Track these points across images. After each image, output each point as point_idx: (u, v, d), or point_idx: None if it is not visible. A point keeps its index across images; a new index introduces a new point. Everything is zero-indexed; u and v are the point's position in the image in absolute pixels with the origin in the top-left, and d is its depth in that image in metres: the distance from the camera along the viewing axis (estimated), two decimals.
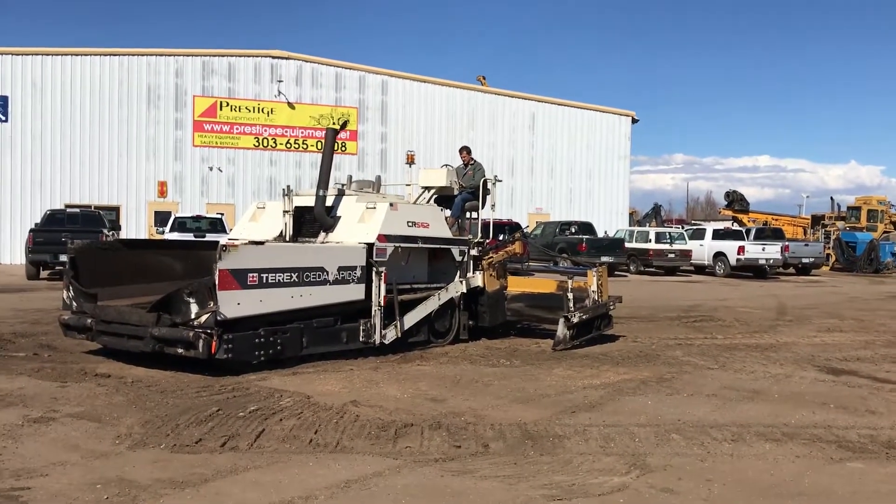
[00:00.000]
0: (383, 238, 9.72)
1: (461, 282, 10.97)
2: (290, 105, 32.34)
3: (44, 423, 6.23)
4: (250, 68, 32.02)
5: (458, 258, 10.94)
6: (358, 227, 9.89)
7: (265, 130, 32.17)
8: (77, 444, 5.71)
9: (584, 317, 10.87)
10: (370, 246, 9.59)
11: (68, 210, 23.82)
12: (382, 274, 9.58)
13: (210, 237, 18.62)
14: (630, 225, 37.87)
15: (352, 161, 32.62)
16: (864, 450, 6.06)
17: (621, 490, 4.99)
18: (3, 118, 28.97)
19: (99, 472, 5.10)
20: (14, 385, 7.58)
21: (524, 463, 5.51)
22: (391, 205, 10.06)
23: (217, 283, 7.97)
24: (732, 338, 12.26)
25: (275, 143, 32.30)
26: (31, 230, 21.26)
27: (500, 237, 14.98)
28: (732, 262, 29.43)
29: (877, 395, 8.10)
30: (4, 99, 28.99)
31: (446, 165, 12.38)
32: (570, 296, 11.32)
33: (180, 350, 8.14)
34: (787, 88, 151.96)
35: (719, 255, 30.06)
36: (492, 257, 11.38)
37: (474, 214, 12.13)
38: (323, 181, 10.18)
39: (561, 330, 10.56)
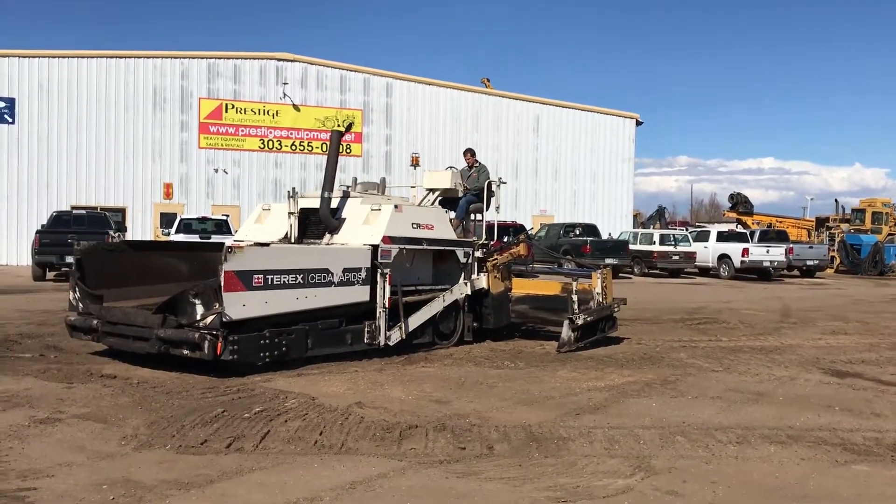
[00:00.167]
0: (388, 240, 9.73)
1: (466, 283, 10.98)
2: (296, 107, 32.40)
3: (50, 424, 6.25)
4: (256, 70, 32.09)
5: (463, 260, 10.95)
6: (363, 228, 9.90)
7: (270, 132, 32.22)
8: (83, 445, 5.72)
9: (588, 319, 10.87)
10: (375, 248, 9.60)
11: (74, 212, 23.89)
12: (387, 276, 9.59)
13: (215, 239, 18.66)
14: (634, 227, 37.83)
15: (356, 163, 32.65)
16: (870, 452, 6.05)
17: (626, 492, 4.99)
18: (10, 120, 29.08)
19: (105, 472, 5.12)
20: (20, 386, 7.61)
21: (529, 465, 5.51)
22: (396, 207, 10.08)
23: (222, 284, 7.99)
24: (737, 340, 12.25)
25: (280, 145, 32.35)
26: (38, 232, 21.32)
27: (505, 239, 14.98)
28: (737, 264, 29.39)
29: (882, 398, 8.09)
30: (11, 101, 29.09)
31: (451, 167, 12.39)
32: (575, 298, 11.32)
33: (186, 351, 8.16)
34: (792, 90, 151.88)
35: (723, 258, 30.03)
36: (496, 259, 11.39)
37: (479, 216, 12.15)
38: (328, 183, 10.19)
39: (565, 332, 10.56)
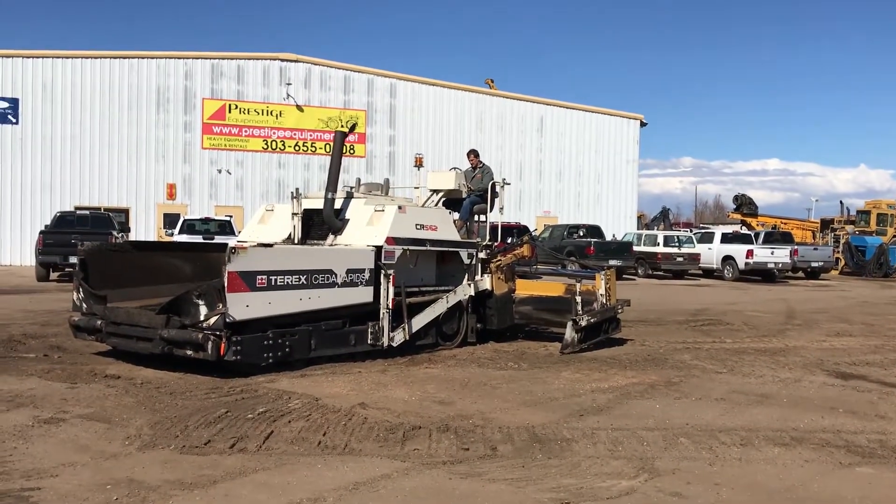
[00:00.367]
0: (392, 241, 9.73)
1: (469, 285, 10.98)
2: (299, 108, 32.43)
3: (54, 424, 6.26)
4: (259, 71, 32.13)
5: (467, 261, 10.95)
6: (366, 229, 9.90)
7: (274, 133, 32.26)
8: (87, 445, 5.73)
9: (592, 320, 10.86)
10: (378, 249, 9.60)
11: (78, 212, 23.92)
12: (391, 276, 9.59)
13: (219, 239, 18.70)
14: (638, 228, 37.80)
15: (360, 164, 32.69)
16: (874, 454, 6.04)
17: (629, 494, 4.98)
18: (14, 121, 29.14)
19: (109, 472, 5.12)
20: (24, 386, 7.62)
21: (532, 466, 5.51)
22: (399, 207, 10.07)
23: (226, 285, 7.99)
24: (741, 342, 12.23)
25: (283, 145, 32.38)
26: (42, 232, 21.37)
27: (509, 240, 14.98)
28: (741, 265, 29.36)
29: (886, 400, 8.07)
30: (15, 102, 29.16)
31: (455, 168, 12.39)
32: (578, 299, 11.30)
33: (189, 352, 8.16)
34: (797, 92, 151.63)
35: (728, 259, 29.99)
36: (500, 260, 11.39)
37: (482, 217, 12.14)
38: (331, 184, 10.20)
39: (569, 333, 10.56)
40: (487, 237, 11.72)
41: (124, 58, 30.62)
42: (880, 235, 38.35)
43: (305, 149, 32.67)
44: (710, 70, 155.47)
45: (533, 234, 28.27)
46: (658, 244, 30.28)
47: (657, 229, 39.77)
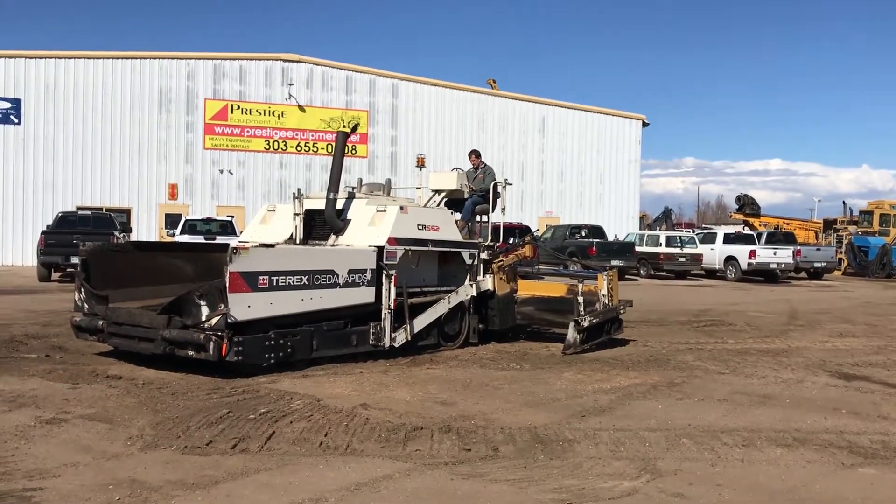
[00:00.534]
0: (393, 241, 9.73)
1: (471, 285, 10.97)
2: (301, 108, 32.44)
3: (56, 425, 6.27)
4: (261, 71, 32.14)
5: (469, 261, 10.95)
6: (368, 230, 9.90)
7: (276, 133, 32.27)
8: (89, 446, 5.73)
9: (594, 321, 10.85)
10: (380, 249, 9.60)
11: (80, 212, 23.94)
12: (392, 277, 9.59)
13: (220, 240, 18.70)
14: (640, 229, 37.77)
15: (362, 164, 32.69)
16: (876, 455, 6.03)
17: (631, 494, 4.98)
18: (16, 121, 29.18)
19: (111, 473, 5.12)
20: (26, 386, 7.62)
21: (534, 467, 5.50)
22: (401, 208, 10.07)
23: (227, 285, 8.00)
24: (743, 342, 12.22)
25: (285, 145, 32.40)
26: (43, 232, 21.39)
27: (511, 240, 14.97)
28: (743, 266, 29.32)
29: (889, 401, 8.06)
30: (17, 102, 29.19)
31: (457, 169, 12.39)
32: (581, 300, 11.29)
33: (191, 352, 8.16)
34: (798, 92, 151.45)
35: (730, 260, 29.96)
36: (502, 261, 11.39)
37: (484, 218, 12.14)
38: (333, 184, 10.20)
39: (571, 334, 10.55)
40: (489, 237, 11.72)
41: (126, 58, 30.64)
42: (883, 236, 38.26)
43: (307, 149, 32.68)
44: (711, 70, 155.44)
45: (535, 234, 28.25)
46: (660, 244, 30.26)
47: (659, 229, 39.69)
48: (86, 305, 9.36)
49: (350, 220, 10.19)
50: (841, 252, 36.13)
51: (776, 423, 6.91)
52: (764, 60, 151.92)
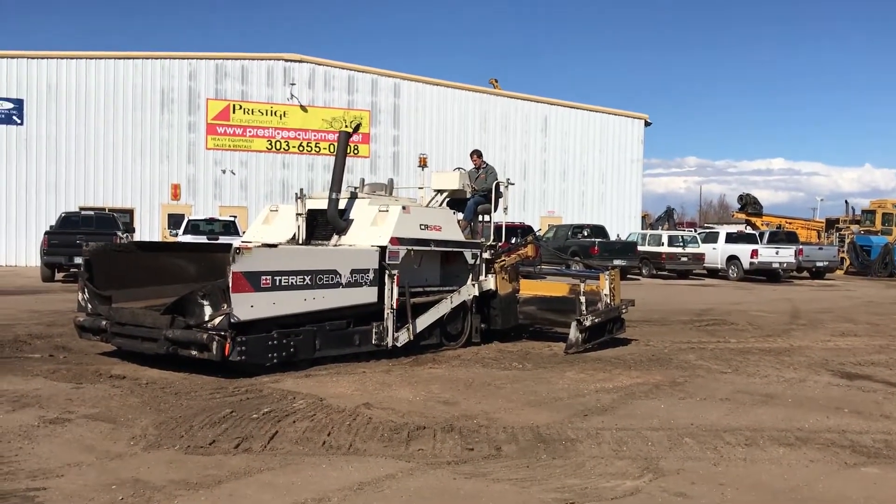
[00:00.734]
0: (396, 241, 9.74)
1: (473, 285, 10.98)
2: (303, 108, 32.46)
3: (59, 424, 6.28)
4: (263, 71, 32.16)
5: (471, 261, 10.95)
6: (370, 230, 9.91)
7: (278, 133, 32.29)
8: (92, 445, 5.75)
9: (596, 320, 10.85)
10: (383, 249, 9.61)
11: (83, 212, 23.98)
12: (395, 277, 9.60)
13: (223, 240, 18.71)
14: (642, 228, 37.76)
15: (364, 164, 32.70)
16: (879, 455, 6.03)
17: (634, 494, 4.98)
18: (19, 121, 29.21)
19: (114, 473, 5.13)
20: (30, 386, 7.64)
21: (536, 466, 5.51)
22: (404, 208, 10.08)
23: (230, 285, 8.01)
24: (746, 342, 12.22)
25: (287, 145, 32.41)
26: (46, 232, 21.41)
27: (513, 240, 14.98)
28: (746, 265, 29.31)
29: (892, 400, 8.05)
30: (20, 102, 29.23)
31: (459, 168, 12.39)
32: (583, 299, 11.30)
33: (194, 352, 8.18)
34: (802, 91, 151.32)
35: (732, 259, 29.95)
36: (504, 260, 11.39)
37: (486, 217, 12.14)
38: (336, 184, 10.21)
39: (573, 333, 10.55)
40: (491, 237, 11.73)
41: (128, 58, 30.67)
42: (885, 235, 38.22)
43: (309, 149, 32.70)
44: (713, 69, 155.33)
45: (537, 233, 28.25)
46: (662, 244, 30.24)
47: (661, 229, 39.69)
48: (89, 305, 9.38)
49: (352, 220, 10.20)
50: (843, 251, 36.09)
51: (779, 423, 6.91)
52: (765, 60, 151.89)
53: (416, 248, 10.16)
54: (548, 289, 12.27)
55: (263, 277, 8.29)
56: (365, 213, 10.17)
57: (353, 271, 9.24)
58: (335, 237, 10.14)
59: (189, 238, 21.28)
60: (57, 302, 15.54)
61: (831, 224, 44.42)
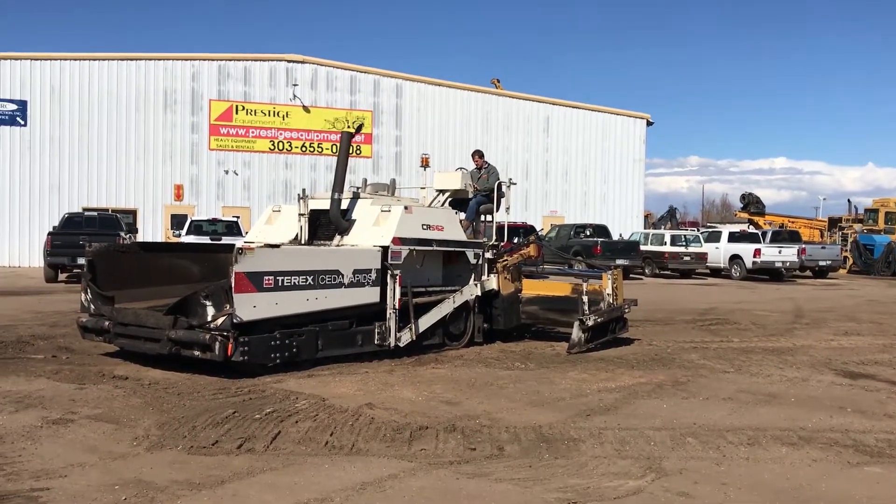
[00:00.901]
0: (398, 241, 9.74)
1: (476, 285, 10.97)
2: (306, 108, 32.48)
3: (62, 425, 6.29)
4: (266, 72, 32.18)
5: (473, 261, 10.95)
6: (373, 230, 9.92)
7: (280, 134, 32.31)
8: (95, 446, 5.75)
9: (599, 320, 10.85)
10: (385, 249, 9.61)
11: (86, 213, 24.02)
12: (397, 277, 9.60)
13: (226, 240, 18.72)
14: (645, 228, 37.73)
15: (366, 164, 32.70)
16: (882, 454, 6.02)
17: (636, 494, 4.98)
18: (22, 123, 29.26)
19: (117, 473, 5.14)
20: (33, 387, 7.65)
21: (539, 466, 5.51)
22: (406, 208, 10.08)
23: (233, 285, 8.02)
24: (748, 341, 12.20)
25: (290, 146, 32.43)
26: (50, 233, 21.43)
27: (515, 240, 14.97)
28: (748, 264, 29.27)
29: (895, 399, 8.04)
30: (23, 104, 29.28)
31: (461, 168, 12.39)
32: (585, 299, 11.30)
33: (197, 352, 8.19)
34: (804, 89, 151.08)
35: (735, 258, 29.91)
36: (506, 260, 11.39)
37: (489, 217, 12.14)
38: (338, 184, 10.21)
39: (576, 333, 10.55)
40: (494, 237, 11.72)
41: (131, 59, 30.71)
42: (888, 234, 38.15)
43: (312, 150, 32.72)
44: (714, 69, 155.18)
45: (539, 233, 28.23)
46: (665, 243, 30.21)
47: (664, 228, 39.68)
48: (92, 306, 9.39)
49: (355, 221, 10.21)
50: (846, 250, 36.05)
51: (781, 422, 6.91)
52: (768, 58, 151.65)
53: (418, 248, 10.17)
54: (550, 288, 12.27)
55: (266, 278, 8.30)
56: (367, 213, 10.18)
57: (355, 271, 9.24)
58: (337, 237, 10.15)
59: (192, 238, 21.30)
60: (60, 303, 15.56)
61: (834, 223, 44.31)
